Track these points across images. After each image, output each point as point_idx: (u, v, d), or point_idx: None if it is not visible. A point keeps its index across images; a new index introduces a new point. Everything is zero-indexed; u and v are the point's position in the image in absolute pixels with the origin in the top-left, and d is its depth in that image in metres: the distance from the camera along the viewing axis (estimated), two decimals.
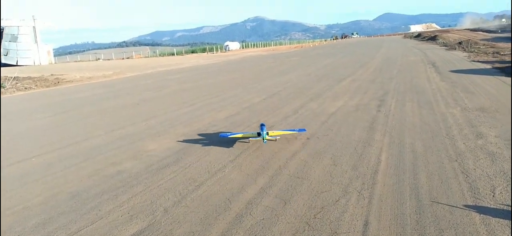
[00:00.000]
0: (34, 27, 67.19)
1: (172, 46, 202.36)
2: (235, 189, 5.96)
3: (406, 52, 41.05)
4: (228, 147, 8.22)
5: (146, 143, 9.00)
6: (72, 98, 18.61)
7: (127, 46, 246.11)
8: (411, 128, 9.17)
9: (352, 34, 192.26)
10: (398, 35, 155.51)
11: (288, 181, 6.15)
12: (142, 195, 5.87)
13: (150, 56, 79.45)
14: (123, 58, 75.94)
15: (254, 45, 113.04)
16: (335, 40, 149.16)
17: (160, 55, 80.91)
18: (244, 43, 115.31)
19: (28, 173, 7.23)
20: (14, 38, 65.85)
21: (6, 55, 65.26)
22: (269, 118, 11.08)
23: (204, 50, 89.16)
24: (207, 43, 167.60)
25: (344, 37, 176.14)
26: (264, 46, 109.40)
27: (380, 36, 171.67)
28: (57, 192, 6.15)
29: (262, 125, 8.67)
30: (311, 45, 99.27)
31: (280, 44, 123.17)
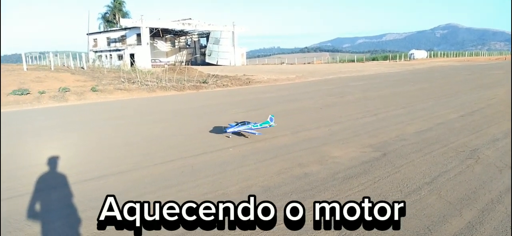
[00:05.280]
0: (233, 32, 76.87)
1: (352, 52, 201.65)
2: (435, 217, 5.15)
3: None
4: (421, 167, 7.33)
5: (330, 148, 8.87)
6: (260, 97, 20.29)
7: (308, 52, 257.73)
8: None
9: None
10: None
11: (505, 221, 4.97)
12: None
13: (330, 62, 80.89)
14: (304, 63, 79.60)
15: (444, 54, 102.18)
16: None
17: (340, 61, 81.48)
18: (432, 52, 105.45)
19: (226, 162, 7.99)
20: (216, 41, 76.78)
21: (210, 55, 76.77)
22: (471, 139, 9.46)
23: (385, 58, 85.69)
24: (389, 51, 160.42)
25: None
26: (456, 56, 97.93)
27: None
28: (251, 184, 6.55)
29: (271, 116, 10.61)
30: None
31: (477, 54, 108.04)
